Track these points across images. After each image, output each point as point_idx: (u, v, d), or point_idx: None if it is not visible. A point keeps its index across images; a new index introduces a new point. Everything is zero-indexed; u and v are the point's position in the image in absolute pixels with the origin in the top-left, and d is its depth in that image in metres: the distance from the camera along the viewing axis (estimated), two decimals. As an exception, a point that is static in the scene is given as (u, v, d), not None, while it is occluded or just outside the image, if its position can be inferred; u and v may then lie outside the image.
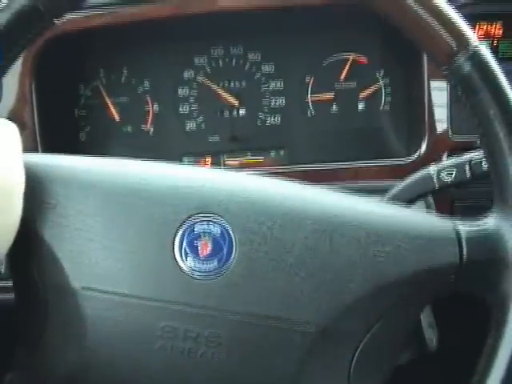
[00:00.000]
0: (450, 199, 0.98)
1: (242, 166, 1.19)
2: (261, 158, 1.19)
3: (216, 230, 0.62)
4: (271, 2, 1.07)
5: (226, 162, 1.20)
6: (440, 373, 1.03)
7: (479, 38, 0.99)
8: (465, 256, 0.61)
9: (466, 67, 0.60)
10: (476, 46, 0.60)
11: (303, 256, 0.61)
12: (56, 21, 0.63)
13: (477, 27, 1.04)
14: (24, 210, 0.62)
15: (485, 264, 0.62)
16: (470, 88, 0.61)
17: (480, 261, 0.62)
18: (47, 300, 0.64)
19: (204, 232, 0.62)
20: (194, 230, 0.62)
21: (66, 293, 0.62)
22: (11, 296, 0.68)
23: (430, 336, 0.94)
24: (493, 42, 1.03)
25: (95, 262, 0.62)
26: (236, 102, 1.19)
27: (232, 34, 1.18)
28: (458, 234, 0.62)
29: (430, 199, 0.96)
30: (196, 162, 1.20)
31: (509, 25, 1.03)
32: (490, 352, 0.59)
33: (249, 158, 1.19)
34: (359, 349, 0.62)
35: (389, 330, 0.63)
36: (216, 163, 1.20)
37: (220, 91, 1.19)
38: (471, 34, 0.61)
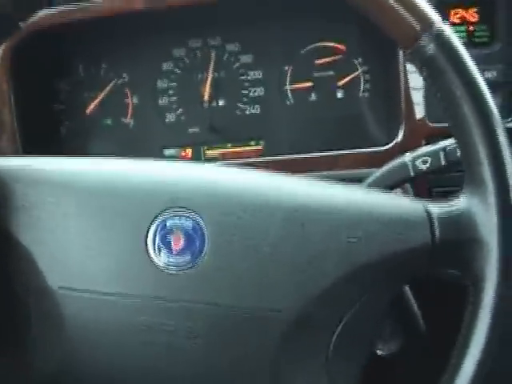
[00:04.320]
0: (427, 186, 0.98)
1: (222, 157, 1.19)
2: (241, 149, 1.19)
3: (188, 223, 0.63)
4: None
5: (207, 153, 1.20)
6: (428, 361, 1.04)
7: (455, 23, 1.01)
8: (437, 237, 0.62)
9: (431, 48, 0.60)
10: (440, 27, 0.60)
11: (275, 245, 0.62)
12: (22, 24, 0.64)
13: (452, 13, 1.03)
14: None
15: (457, 244, 0.62)
16: (436, 69, 0.61)
17: (452, 241, 0.62)
18: (26, 301, 0.65)
19: (176, 226, 0.63)
20: (166, 225, 0.63)
21: (44, 293, 0.63)
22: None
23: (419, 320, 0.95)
24: (468, 28, 1.03)
25: (71, 262, 0.63)
26: (215, 93, 1.18)
27: (209, 25, 1.17)
28: (429, 215, 0.63)
29: (408, 187, 0.97)
30: (177, 154, 1.20)
31: (484, 10, 1.03)
32: (466, 330, 0.60)
33: (229, 149, 1.19)
34: (336, 333, 0.63)
35: (364, 313, 0.64)
36: (196, 154, 1.20)
37: (199, 82, 1.19)
38: (434, 16, 0.61)
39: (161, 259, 0.62)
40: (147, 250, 0.62)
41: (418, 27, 0.61)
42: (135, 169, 0.68)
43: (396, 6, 0.61)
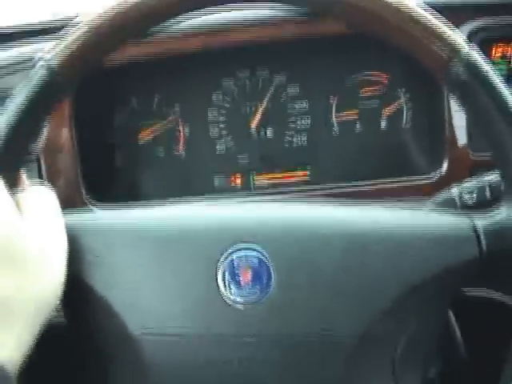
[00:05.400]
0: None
1: (270, 185, 1.24)
2: (288, 177, 1.24)
3: (254, 259, 0.67)
4: (296, 32, 1.12)
5: (255, 181, 1.25)
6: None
7: (496, 58, 1.05)
8: (484, 248, 0.65)
9: (461, 74, 0.63)
10: (468, 52, 0.63)
11: (335, 274, 0.66)
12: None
13: (494, 49, 1.07)
14: (73, 267, 0.66)
15: (504, 253, 0.65)
16: (468, 93, 0.64)
17: (499, 251, 0.66)
18: (107, 350, 0.68)
19: (243, 262, 0.67)
20: (233, 262, 0.67)
21: (125, 341, 0.66)
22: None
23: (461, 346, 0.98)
24: (509, 63, 1.07)
25: (149, 307, 0.66)
26: (263, 123, 1.23)
27: (257, 57, 1.22)
28: (474, 227, 0.66)
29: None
30: (226, 182, 1.25)
31: (524, 46, 1.07)
32: None
33: (276, 177, 1.24)
34: (399, 349, 0.66)
35: (423, 328, 0.68)
36: (245, 182, 1.25)
37: (247, 113, 1.24)
38: (462, 41, 0.64)
39: (231, 296, 0.65)
40: (218, 288, 0.66)
41: (446, 54, 0.63)
42: (200, 212, 0.73)
43: (423, 35, 0.64)
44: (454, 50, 0.63)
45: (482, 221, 0.67)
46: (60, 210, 0.68)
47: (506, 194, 0.67)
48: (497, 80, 0.64)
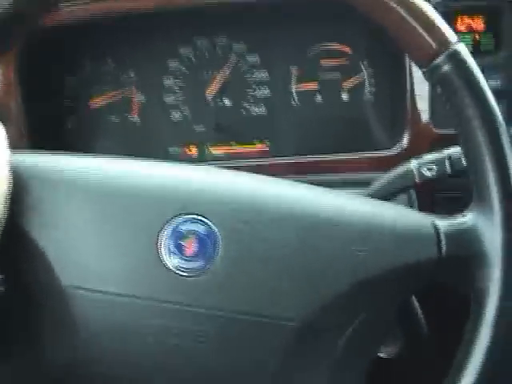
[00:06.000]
0: (430, 191, 0.99)
1: (226, 156, 1.20)
2: (245, 148, 1.20)
3: (201, 229, 0.64)
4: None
5: (211, 152, 1.20)
6: (429, 364, 1.05)
7: (461, 31, 1.02)
8: (443, 251, 0.64)
9: (446, 67, 0.62)
10: (455, 46, 0.62)
11: (286, 254, 0.63)
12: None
13: (458, 21, 1.04)
14: (11, 210, 0.63)
15: (462, 260, 0.64)
16: (450, 87, 0.62)
17: (457, 256, 0.64)
18: (37, 299, 0.65)
19: (189, 231, 0.64)
20: (179, 230, 0.64)
21: (56, 292, 0.63)
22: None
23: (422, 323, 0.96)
24: (474, 36, 1.04)
25: (84, 262, 0.63)
26: (220, 92, 1.19)
27: (216, 24, 1.17)
28: (436, 230, 0.64)
29: (412, 191, 0.98)
30: (181, 151, 1.21)
31: (490, 18, 1.04)
32: (466, 346, 0.62)
33: (233, 148, 1.20)
34: (341, 342, 0.64)
35: (370, 323, 0.66)
36: (201, 152, 1.21)
37: (205, 81, 1.19)
38: (451, 34, 0.62)
39: (173, 263, 0.63)
40: (160, 253, 0.63)
41: (434, 45, 0.62)
42: (151, 170, 0.69)
43: (413, 23, 0.62)
44: (443, 42, 0.62)
45: (445, 224, 0.65)
46: (6, 145, 0.64)
47: (474, 201, 0.65)
48: (482, 79, 0.62)
